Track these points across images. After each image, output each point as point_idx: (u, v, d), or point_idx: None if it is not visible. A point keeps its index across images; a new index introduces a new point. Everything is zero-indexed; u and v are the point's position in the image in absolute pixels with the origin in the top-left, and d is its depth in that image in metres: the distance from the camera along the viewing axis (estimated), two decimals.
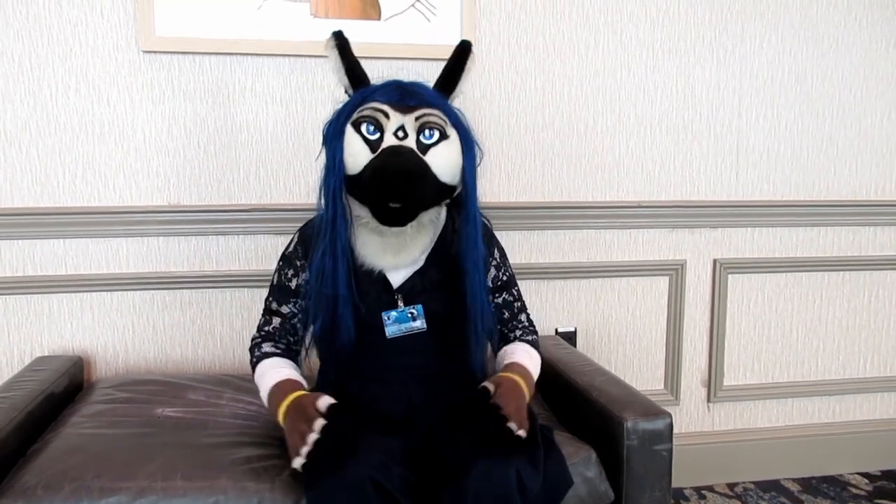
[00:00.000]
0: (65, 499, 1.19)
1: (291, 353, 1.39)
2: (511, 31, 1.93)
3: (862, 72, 2.13)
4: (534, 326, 1.49)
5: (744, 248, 2.15)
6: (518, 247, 2.00)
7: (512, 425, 1.16)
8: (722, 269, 2.13)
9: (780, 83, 2.10)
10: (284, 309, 1.39)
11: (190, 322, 1.88)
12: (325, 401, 1.18)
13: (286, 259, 1.40)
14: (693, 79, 2.05)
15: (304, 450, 1.11)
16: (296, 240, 1.41)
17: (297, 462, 1.12)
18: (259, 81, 1.83)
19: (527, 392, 1.29)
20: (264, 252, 1.88)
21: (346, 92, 1.37)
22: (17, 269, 1.79)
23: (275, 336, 1.39)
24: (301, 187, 1.89)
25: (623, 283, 2.10)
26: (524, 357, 1.38)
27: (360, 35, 1.81)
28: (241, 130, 1.84)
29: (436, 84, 1.36)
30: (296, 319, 1.39)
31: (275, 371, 1.31)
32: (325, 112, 1.84)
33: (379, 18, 1.84)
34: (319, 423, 1.13)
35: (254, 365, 1.37)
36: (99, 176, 1.80)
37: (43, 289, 1.80)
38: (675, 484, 1.45)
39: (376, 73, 1.89)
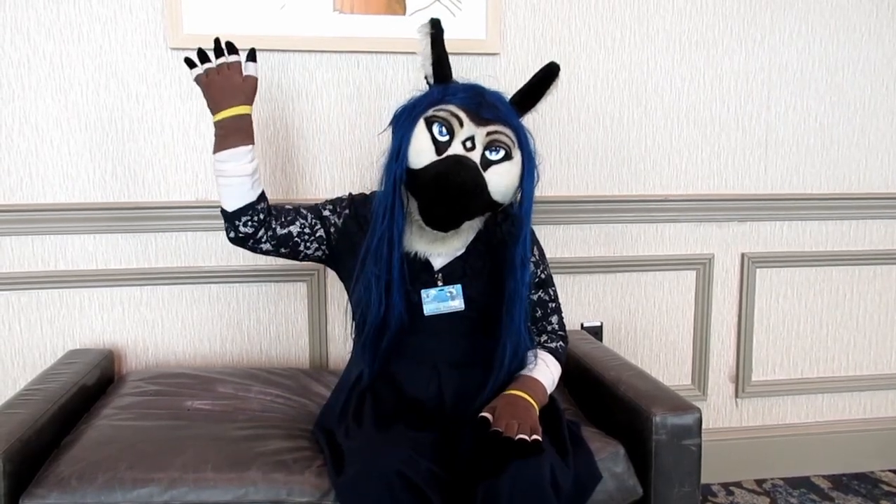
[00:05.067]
0: (98, 489, 1.22)
1: (267, 206, 1.40)
2: (536, 24, 1.92)
3: (895, 62, 2.09)
4: (564, 331, 1.48)
5: (772, 241, 2.12)
6: (544, 241, 1.96)
7: (522, 436, 1.15)
8: (750, 264, 2.11)
9: (809, 74, 2.06)
10: (303, 211, 1.42)
11: (218, 316, 1.90)
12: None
13: (332, 200, 1.46)
14: (721, 70, 2.02)
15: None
16: (346, 198, 1.45)
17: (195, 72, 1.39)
18: (284, 77, 1.84)
19: (531, 401, 1.27)
20: None
21: (426, 80, 1.39)
22: (48, 264, 1.82)
23: (278, 208, 1.42)
24: (326, 182, 1.89)
25: (650, 278, 2.08)
26: (537, 368, 1.37)
27: (385, 30, 1.82)
28: (266, 126, 1.85)
29: (513, 98, 1.37)
30: (298, 223, 1.40)
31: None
32: (351, 107, 1.87)
33: (404, 13, 1.84)
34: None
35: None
36: (128, 172, 1.82)
37: (74, 283, 1.83)
38: (702, 479, 1.43)
39: (401, 68, 1.90)
